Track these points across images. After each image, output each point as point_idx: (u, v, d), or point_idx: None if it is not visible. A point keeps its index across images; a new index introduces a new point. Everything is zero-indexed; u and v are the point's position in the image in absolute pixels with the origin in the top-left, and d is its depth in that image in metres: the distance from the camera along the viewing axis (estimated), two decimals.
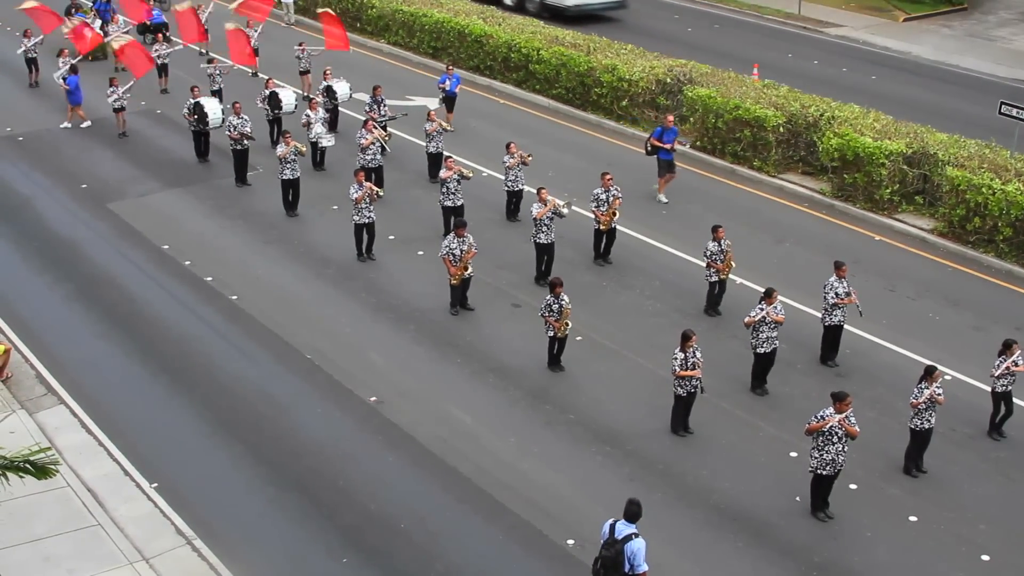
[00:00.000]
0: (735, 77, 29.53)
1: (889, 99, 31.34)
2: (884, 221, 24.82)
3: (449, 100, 29.46)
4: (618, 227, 22.59)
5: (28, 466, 12.20)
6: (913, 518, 15.69)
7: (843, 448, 15.06)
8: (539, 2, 40.40)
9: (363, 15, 38.77)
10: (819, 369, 19.10)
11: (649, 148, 25.47)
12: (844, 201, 25.55)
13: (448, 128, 26.00)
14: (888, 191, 24.97)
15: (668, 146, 25.14)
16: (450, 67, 29.68)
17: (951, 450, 17.07)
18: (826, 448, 15.02)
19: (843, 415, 14.86)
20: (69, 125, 29.97)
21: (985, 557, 14.98)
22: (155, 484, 16.31)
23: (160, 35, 33.77)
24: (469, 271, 20.48)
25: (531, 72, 32.48)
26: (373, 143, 24.90)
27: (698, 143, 28.55)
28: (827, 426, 14.81)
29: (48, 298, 21.55)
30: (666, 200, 25.45)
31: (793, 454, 16.85)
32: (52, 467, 12.48)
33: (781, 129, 26.92)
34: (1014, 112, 25.12)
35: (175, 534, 15.31)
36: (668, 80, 29.80)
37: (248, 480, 16.44)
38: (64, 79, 29.74)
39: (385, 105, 27.55)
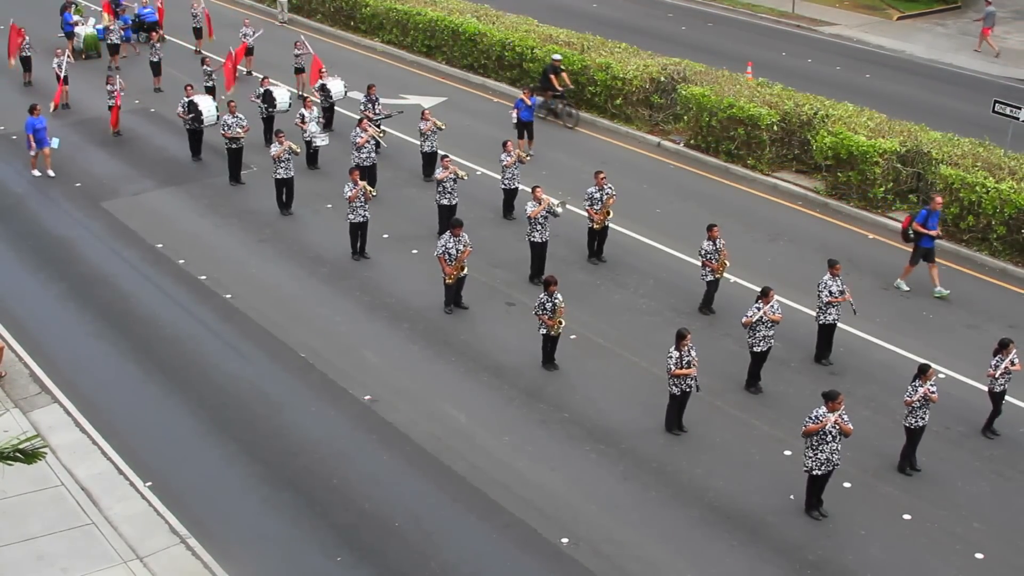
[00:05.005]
0: (729, 75, 29.54)
1: (883, 97, 31.39)
2: (878, 219, 24.85)
3: (524, 126, 27.76)
4: (611, 225, 22.59)
5: (18, 454, 12.19)
6: (907, 516, 15.71)
7: (838, 447, 15.07)
8: None
9: (357, 13, 38.73)
10: (813, 367, 19.13)
11: (912, 234, 21.69)
12: (838, 199, 25.57)
13: (442, 127, 25.96)
14: (882, 189, 25.00)
15: (934, 232, 21.47)
16: (527, 91, 28.11)
17: (945, 448, 17.10)
18: (820, 448, 15.03)
19: (837, 414, 14.88)
20: (38, 173, 26.68)
21: (979, 555, 15.01)
22: (149, 483, 16.30)
23: (154, 33, 33.69)
24: (464, 270, 20.48)
25: (525, 71, 32.46)
26: (368, 141, 24.89)
27: (692, 141, 28.56)
28: (825, 427, 14.81)
29: (42, 297, 21.52)
30: (947, 292, 21.42)
31: (787, 452, 16.87)
32: (41, 451, 12.48)
33: (775, 127, 26.95)
34: (1007, 111, 25.14)
35: (169, 533, 15.29)
36: (662, 79, 29.80)
37: (242, 479, 16.43)
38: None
39: (379, 104, 27.58)
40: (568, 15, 39.64)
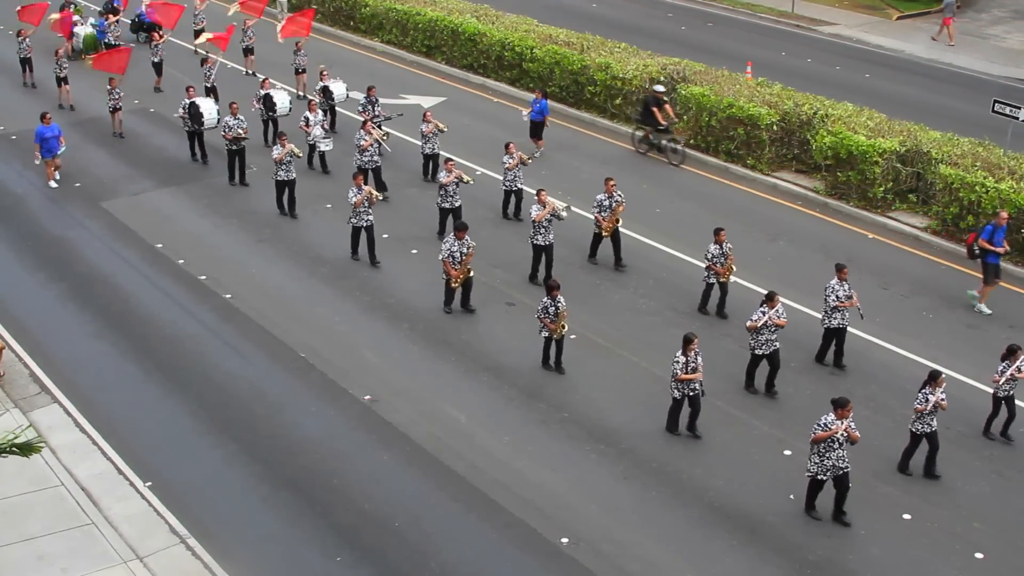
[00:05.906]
0: (729, 75, 29.54)
1: (882, 97, 31.39)
2: (878, 219, 24.85)
3: (534, 126, 27.54)
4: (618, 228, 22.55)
5: (14, 449, 12.19)
6: (907, 516, 15.71)
7: (844, 454, 15.04)
8: None
9: (356, 14, 38.73)
10: (813, 367, 19.12)
11: (977, 251, 21.08)
12: (837, 199, 25.58)
13: (443, 129, 25.94)
14: (881, 189, 25.00)
15: (1000, 249, 20.89)
16: (538, 92, 27.93)
17: (945, 448, 17.03)
18: (827, 455, 14.99)
19: (846, 422, 14.83)
20: (55, 184, 26.12)
21: (979, 555, 15.01)
22: (149, 483, 16.29)
23: (156, 34, 33.66)
24: (471, 273, 20.49)
25: (525, 71, 32.47)
26: (372, 144, 24.86)
27: (692, 141, 28.55)
28: (835, 435, 14.77)
29: (42, 297, 21.51)
30: (989, 311, 20.89)
31: (787, 452, 16.87)
32: (38, 445, 12.48)
33: (775, 127, 26.95)
34: (1007, 110, 25.15)
35: (169, 533, 15.29)
36: (662, 78, 29.79)
37: (242, 479, 16.43)
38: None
39: (379, 105, 27.56)
40: (568, 15, 39.66)
